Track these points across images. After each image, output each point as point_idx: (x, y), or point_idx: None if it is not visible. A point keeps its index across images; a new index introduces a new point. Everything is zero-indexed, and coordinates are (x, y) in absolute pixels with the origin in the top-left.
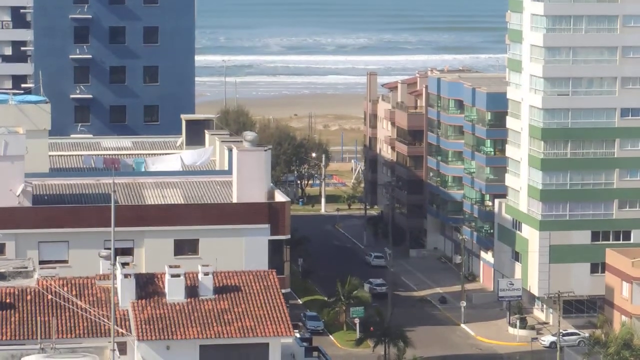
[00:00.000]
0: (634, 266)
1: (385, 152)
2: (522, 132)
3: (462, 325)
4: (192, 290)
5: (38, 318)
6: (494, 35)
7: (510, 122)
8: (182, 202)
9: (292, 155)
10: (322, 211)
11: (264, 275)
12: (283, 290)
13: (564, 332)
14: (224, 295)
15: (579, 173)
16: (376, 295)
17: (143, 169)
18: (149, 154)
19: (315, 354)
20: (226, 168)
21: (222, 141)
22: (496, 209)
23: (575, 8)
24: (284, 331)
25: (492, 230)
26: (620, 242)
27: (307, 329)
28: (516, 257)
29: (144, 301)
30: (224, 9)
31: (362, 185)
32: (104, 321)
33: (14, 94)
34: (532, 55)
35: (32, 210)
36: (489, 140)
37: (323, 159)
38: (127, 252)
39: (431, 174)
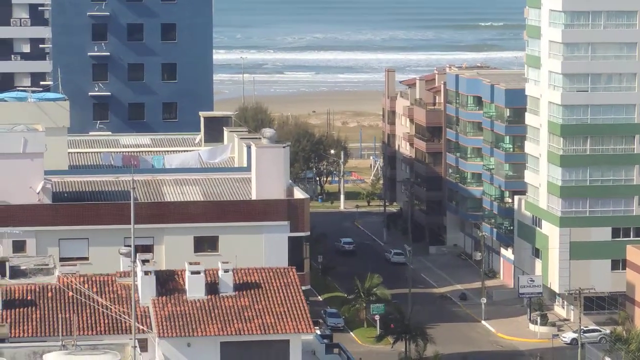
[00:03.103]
0: None
1: (404, 148)
2: (541, 129)
3: (483, 322)
4: (212, 287)
5: (59, 315)
6: (512, 32)
7: (529, 118)
8: (202, 199)
9: (310, 152)
10: (341, 208)
11: (283, 272)
12: (303, 287)
13: (585, 328)
14: (244, 292)
15: (598, 169)
16: (345, 252)
17: (162, 166)
18: (167, 151)
19: (335, 350)
20: (245, 165)
21: (241, 138)
22: (516, 206)
23: (593, 4)
24: (304, 328)
25: (511, 227)
26: None
27: (327, 325)
28: (536, 253)
29: (164, 298)
30: (241, 6)
31: (381, 182)
32: (124, 318)
33: (33, 92)
34: (550, 51)
35: (52, 207)
36: (507, 137)
37: (342, 155)
38: (147, 249)
39: (450, 171)
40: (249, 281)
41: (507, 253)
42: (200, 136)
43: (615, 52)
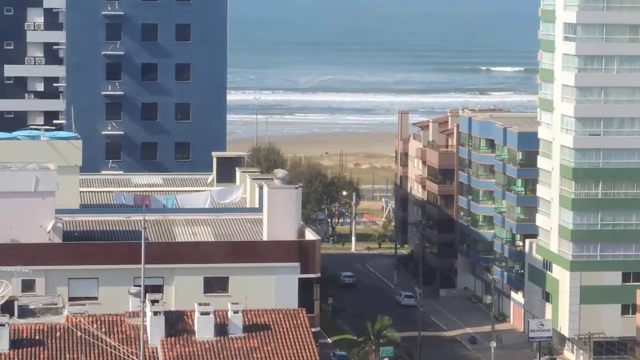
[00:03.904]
0: None
1: (416, 190)
2: (553, 172)
3: None
4: (221, 329)
5: (67, 355)
6: (525, 75)
7: (541, 161)
8: (213, 240)
9: (322, 194)
10: (353, 250)
11: (293, 314)
12: (313, 329)
13: None
14: (254, 334)
15: (610, 213)
16: (346, 285)
17: (174, 206)
18: (179, 191)
19: None
20: (257, 206)
21: (253, 179)
22: (527, 249)
23: (607, 48)
24: None
25: (522, 271)
26: None
27: None
28: (547, 297)
29: (173, 339)
30: (255, 47)
31: (393, 224)
32: (133, 359)
33: (46, 130)
34: (563, 94)
35: (62, 246)
36: (520, 180)
37: (354, 197)
38: (157, 289)
39: (462, 213)
40: (259, 322)
41: (518, 297)
42: (212, 176)
43: (628, 97)
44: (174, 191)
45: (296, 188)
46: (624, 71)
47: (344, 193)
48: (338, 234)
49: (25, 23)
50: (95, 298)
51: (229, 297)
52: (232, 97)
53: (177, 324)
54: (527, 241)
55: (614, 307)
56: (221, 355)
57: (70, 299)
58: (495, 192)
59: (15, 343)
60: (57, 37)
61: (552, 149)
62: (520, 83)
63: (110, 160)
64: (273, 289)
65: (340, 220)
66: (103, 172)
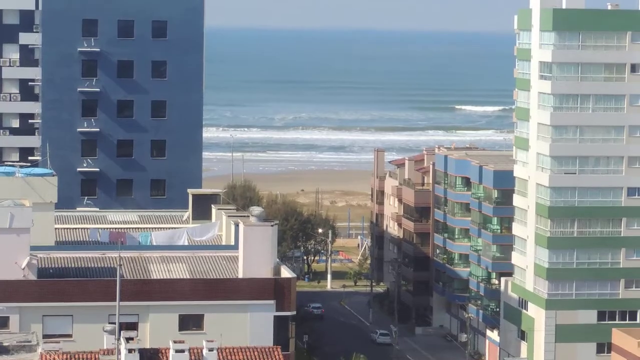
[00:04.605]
0: None
1: (392, 228)
2: (528, 210)
3: None
4: None
5: None
6: (501, 114)
7: (517, 200)
8: (188, 277)
9: (298, 231)
10: (328, 287)
11: (269, 352)
12: None
13: None
14: None
15: (585, 252)
16: (314, 316)
17: (149, 243)
18: (155, 228)
19: None
20: (232, 243)
21: (229, 216)
22: (502, 287)
23: (582, 87)
24: None
25: (498, 309)
26: (627, 322)
27: None
28: (522, 336)
29: None
30: (231, 85)
31: (369, 261)
32: None
33: (21, 167)
34: (539, 133)
35: (36, 283)
36: (495, 218)
37: (329, 235)
38: (132, 326)
39: (438, 251)
40: None
41: (493, 335)
42: (188, 213)
43: (603, 135)
44: (149, 228)
45: (272, 225)
46: (599, 110)
47: (320, 230)
48: (314, 272)
49: (1, 59)
50: (70, 335)
51: (204, 335)
52: (208, 134)
53: None
54: (503, 279)
55: (590, 345)
56: None
57: (45, 336)
58: (471, 230)
59: None
60: (33, 73)
61: (528, 187)
62: (496, 122)
63: (86, 197)
64: (248, 327)
65: (316, 257)
66: (78, 208)
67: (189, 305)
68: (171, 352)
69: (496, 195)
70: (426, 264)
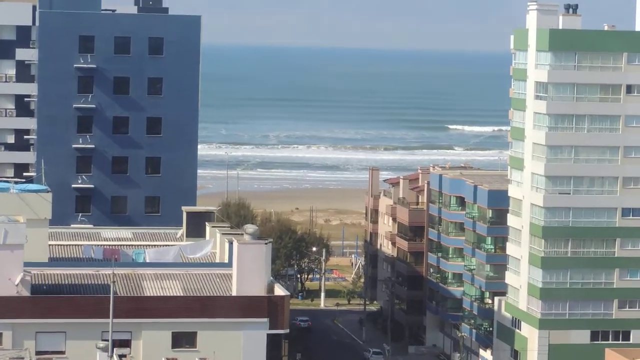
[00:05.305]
0: None
1: (386, 247)
2: (522, 230)
3: None
4: None
5: None
6: (496, 134)
7: (511, 219)
8: (181, 295)
9: (292, 249)
10: (322, 306)
11: None
12: None
13: None
14: None
15: (579, 272)
16: (301, 329)
17: (143, 260)
18: (149, 245)
19: None
20: (226, 261)
21: (223, 234)
22: (496, 307)
23: (577, 107)
24: None
25: (491, 328)
26: (620, 342)
27: None
28: (515, 355)
29: None
30: (227, 103)
31: (362, 280)
32: None
33: (16, 183)
34: (534, 153)
35: (30, 300)
36: (489, 238)
37: (323, 253)
38: (125, 343)
39: (431, 270)
40: None
41: (486, 354)
42: (182, 231)
43: (598, 156)
44: (143, 245)
45: (266, 244)
46: (595, 130)
47: (314, 249)
48: (307, 290)
49: None
50: (63, 352)
51: (197, 352)
52: (202, 151)
53: None
54: (496, 299)
55: None
56: None
57: (38, 352)
58: (465, 249)
59: None
60: (29, 89)
61: (522, 207)
62: (490, 141)
63: (80, 214)
64: (241, 345)
65: (310, 276)
66: (72, 225)
67: (182, 323)
68: None
69: (490, 215)
70: (420, 283)
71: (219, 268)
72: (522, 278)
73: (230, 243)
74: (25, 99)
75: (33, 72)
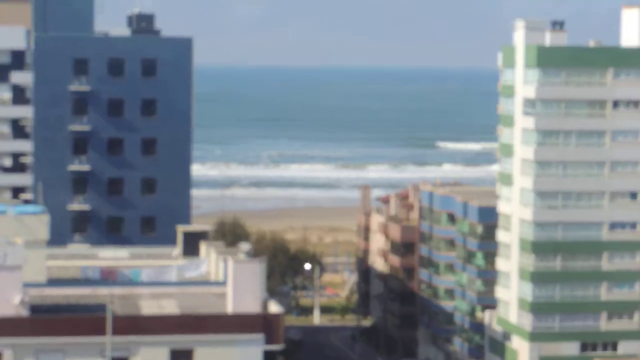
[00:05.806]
0: None
1: (379, 264)
2: (512, 245)
3: None
4: None
5: None
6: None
7: (501, 235)
8: (178, 313)
9: (286, 267)
10: (316, 322)
11: None
12: None
13: None
14: None
15: (568, 285)
16: (293, 342)
17: (139, 280)
18: (145, 265)
19: None
20: (221, 279)
21: (218, 253)
22: (487, 321)
23: (566, 123)
24: None
25: (482, 342)
26: (609, 352)
27: None
28: None
29: None
30: (220, 123)
31: (355, 296)
32: None
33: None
34: (522, 168)
35: (29, 319)
36: (480, 253)
37: (317, 270)
38: None
39: (423, 286)
40: None
41: None
42: (177, 250)
43: (586, 171)
44: (139, 265)
45: (260, 262)
46: (583, 146)
47: (308, 267)
48: (301, 307)
49: None
50: None
51: None
52: (197, 171)
53: None
54: (487, 312)
55: None
56: None
57: None
58: (456, 265)
59: None
60: (24, 112)
61: (512, 223)
62: (479, 158)
63: (77, 234)
64: None
65: (304, 292)
66: (69, 246)
67: (178, 341)
68: None
69: (480, 231)
70: (412, 299)
71: (214, 286)
72: (512, 292)
73: (225, 262)
74: (21, 121)
75: (28, 95)
